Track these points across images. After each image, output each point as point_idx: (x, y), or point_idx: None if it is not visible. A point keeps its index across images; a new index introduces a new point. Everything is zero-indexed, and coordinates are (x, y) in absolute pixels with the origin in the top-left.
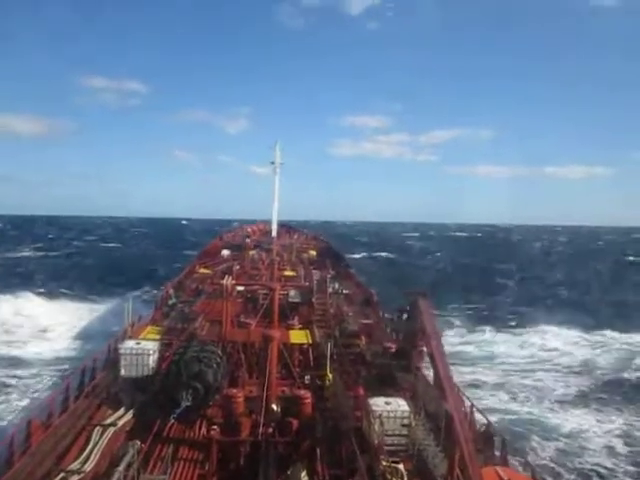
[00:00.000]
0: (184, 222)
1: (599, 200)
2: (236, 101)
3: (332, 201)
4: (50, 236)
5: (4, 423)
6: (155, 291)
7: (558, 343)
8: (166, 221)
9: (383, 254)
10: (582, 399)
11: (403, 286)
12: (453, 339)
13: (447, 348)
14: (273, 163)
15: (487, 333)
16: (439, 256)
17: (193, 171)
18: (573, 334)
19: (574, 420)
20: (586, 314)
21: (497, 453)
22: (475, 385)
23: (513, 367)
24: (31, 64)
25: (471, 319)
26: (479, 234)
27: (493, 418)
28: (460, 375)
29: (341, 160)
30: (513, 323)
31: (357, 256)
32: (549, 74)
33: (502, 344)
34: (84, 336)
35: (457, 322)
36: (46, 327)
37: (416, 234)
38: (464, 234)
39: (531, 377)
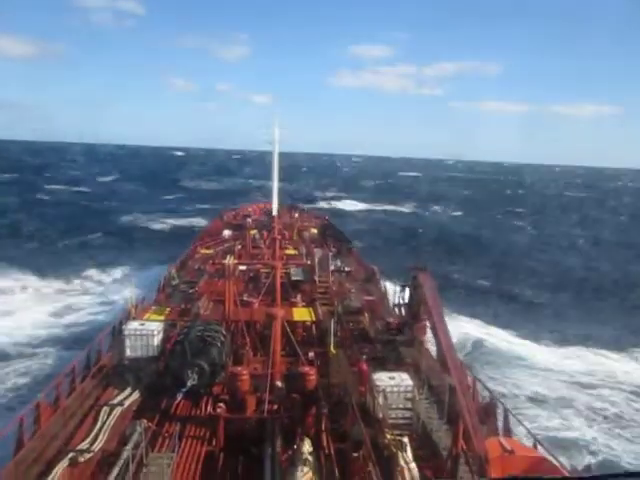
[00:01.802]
0: (179, 153)
1: (607, 139)
2: (234, 26)
3: (330, 134)
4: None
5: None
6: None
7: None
8: (160, 150)
9: (392, 207)
10: None
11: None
12: None
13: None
14: (271, 144)
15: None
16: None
17: (190, 99)
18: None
19: None
20: None
21: (500, 424)
22: None
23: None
24: None
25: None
26: (485, 176)
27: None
28: None
29: (343, 91)
30: None
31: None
32: (557, 12)
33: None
34: None
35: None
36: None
37: (419, 174)
38: (472, 175)
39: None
